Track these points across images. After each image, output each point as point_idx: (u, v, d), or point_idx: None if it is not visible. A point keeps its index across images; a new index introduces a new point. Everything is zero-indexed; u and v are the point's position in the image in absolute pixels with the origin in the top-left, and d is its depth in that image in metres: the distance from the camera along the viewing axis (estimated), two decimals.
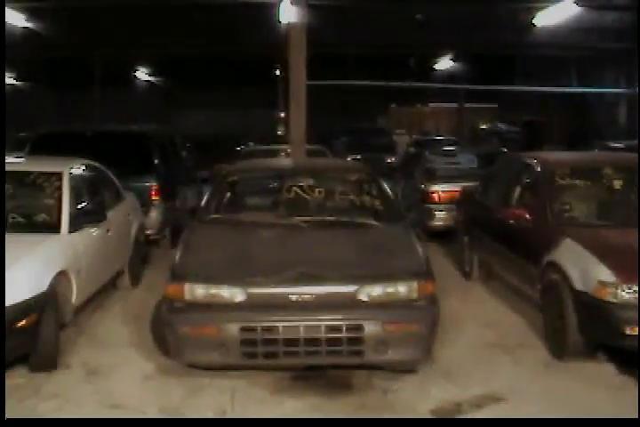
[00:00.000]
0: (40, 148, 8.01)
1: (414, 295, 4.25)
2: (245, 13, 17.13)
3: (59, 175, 5.42)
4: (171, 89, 28.58)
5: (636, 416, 3.88)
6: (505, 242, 5.94)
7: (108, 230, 5.78)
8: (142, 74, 27.02)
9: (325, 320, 4.08)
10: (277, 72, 23.87)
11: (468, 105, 22.33)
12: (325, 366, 4.46)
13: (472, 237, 6.88)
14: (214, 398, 4.21)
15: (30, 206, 5.22)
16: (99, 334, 5.39)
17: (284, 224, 4.93)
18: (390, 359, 4.21)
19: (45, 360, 4.46)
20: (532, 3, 13.55)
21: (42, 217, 5.06)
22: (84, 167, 5.96)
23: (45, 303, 4.38)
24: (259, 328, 4.05)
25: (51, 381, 4.44)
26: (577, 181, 5.68)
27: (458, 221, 7.46)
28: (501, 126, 21.04)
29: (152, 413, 4.01)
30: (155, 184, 7.96)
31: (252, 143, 23.24)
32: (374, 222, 5.05)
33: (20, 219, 5.03)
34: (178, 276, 4.25)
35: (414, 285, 4.25)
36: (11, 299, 4.11)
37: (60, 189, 5.28)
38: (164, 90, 29.00)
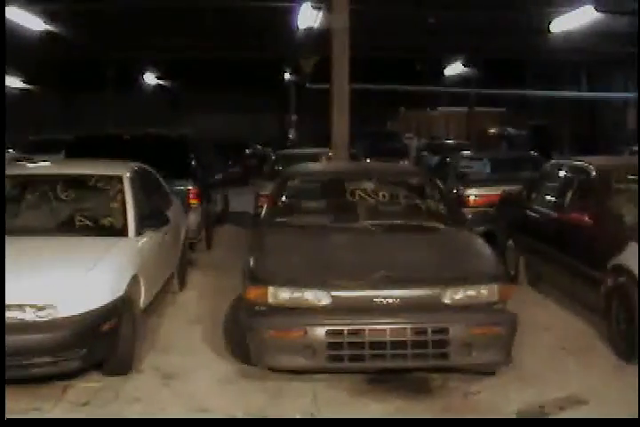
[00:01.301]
0: (77, 151, 8.00)
1: (495, 298, 4.29)
2: (257, 18, 17.17)
3: (119, 178, 5.41)
4: (178, 92, 28.60)
5: None
6: (560, 246, 5.97)
7: (165, 234, 5.78)
8: (151, 77, 26.97)
9: (411, 323, 4.10)
10: (286, 76, 23.92)
11: (476, 109, 22.39)
12: (399, 369, 4.49)
13: (518, 241, 6.91)
14: (296, 400, 4.22)
15: (95, 210, 5.21)
16: (160, 338, 5.36)
17: (353, 228, 4.95)
18: (474, 362, 4.24)
19: (122, 364, 4.45)
20: (550, 8, 13.66)
21: (108, 220, 5.05)
22: (139, 171, 5.96)
23: (123, 307, 4.38)
24: (345, 331, 4.07)
25: (127, 385, 4.42)
26: (631, 185, 5.74)
27: (500, 225, 7.50)
28: (510, 131, 21.16)
29: (239, 416, 4.01)
30: (192, 187, 7.98)
31: (259, 147, 23.30)
32: (441, 226, 5.09)
33: (88, 222, 5.02)
34: (259, 279, 4.24)
35: (495, 288, 4.28)
36: (95, 302, 4.10)
37: (122, 192, 5.27)
38: (171, 93, 28.99)
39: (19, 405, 4.11)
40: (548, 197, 6.59)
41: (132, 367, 4.62)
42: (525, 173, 9.85)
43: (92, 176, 5.40)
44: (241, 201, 11.96)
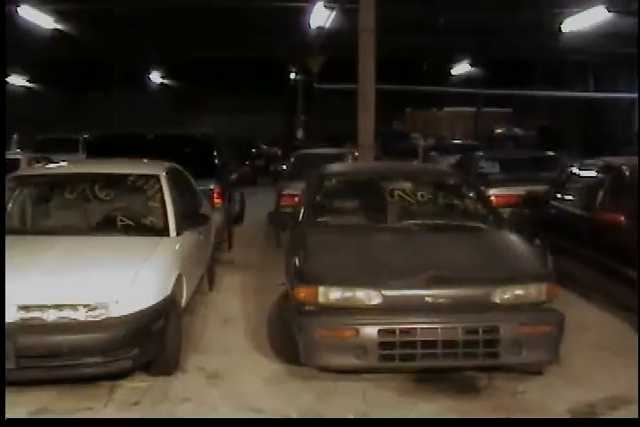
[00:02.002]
0: (99, 149, 7.97)
1: (543, 297, 4.30)
2: (265, 17, 17.14)
3: (157, 178, 5.40)
4: (183, 92, 28.56)
5: None
6: (592, 245, 5.98)
7: (199, 234, 5.77)
8: (156, 77, 26.92)
9: (463, 322, 4.10)
10: (293, 76, 23.85)
11: (483, 109, 22.41)
12: (444, 368, 4.49)
13: (545, 240, 6.92)
14: (347, 400, 4.21)
15: (134, 209, 5.19)
16: (198, 338, 5.34)
17: (397, 228, 4.95)
18: (523, 361, 4.24)
19: (168, 364, 4.43)
20: (561, 8, 13.70)
21: (149, 220, 5.03)
22: (173, 170, 5.93)
23: (170, 307, 4.37)
24: (397, 330, 4.06)
25: (174, 385, 4.41)
26: None
27: (524, 224, 7.50)
28: (517, 131, 21.19)
29: (292, 416, 4.00)
30: (216, 187, 7.96)
31: (265, 146, 23.26)
32: (483, 226, 5.10)
33: (129, 222, 5.00)
34: (309, 279, 4.24)
35: (543, 287, 4.29)
36: (145, 302, 4.09)
37: (161, 191, 5.25)
38: (176, 93, 28.98)
39: (69, 404, 4.11)
40: (578, 197, 6.61)
41: (177, 367, 4.61)
42: (544, 172, 9.90)
43: (130, 175, 5.39)
44: (250, 201, 11.97)
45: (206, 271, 6.48)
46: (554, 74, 21.34)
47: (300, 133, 21.71)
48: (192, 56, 21.21)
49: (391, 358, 4.11)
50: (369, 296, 4.15)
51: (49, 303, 3.89)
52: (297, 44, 18.77)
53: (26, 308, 3.87)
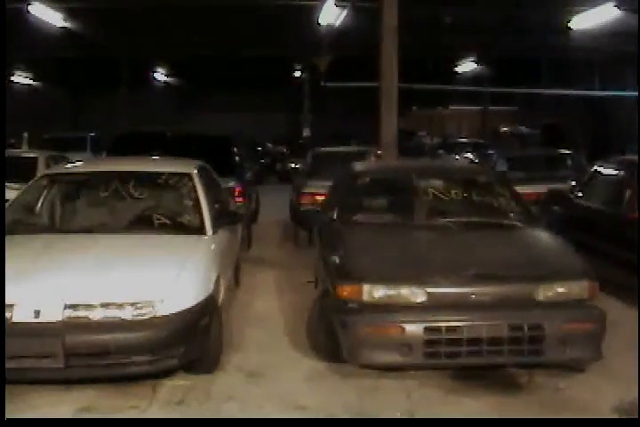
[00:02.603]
0: (119, 147, 7.95)
1: (585, 295, 4.31)
2: (272, 16, 17.10)
3: (189, 176, 5.38)
4: (187, 91, 28.49)
5: None
6: (621, 243, 6.00)
7: (230, 232, 5.75)
8: (160, 75, 26.85)
9: (508, 320, 4.10)
10: (299, 74, 23.80)
11: (489, 108, 22.42)
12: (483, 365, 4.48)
13: (568, 237, 6.92)
14: (391, 398, 4.22)
15: (169, 207, 5.18)
16: (232, 336, 5.31)
17: (434, 225, 4.95)
18: (567, 358, 4.25)
19: (210, 363, 4.42)
20: (570, 6, 13.71)
21: (186, 219, 5.01)
22: (202, 168, 5.91)
23: (212, 305, 4.37)
24: (443, 328, 4.06)
25: (215, 383, 4.40)
26: None
27: (546, 222, 7.50)
28: (522, 129, 21.23)
29: (339, 414, 4.01)
30: (237, 186, 7.96)
31: (270, 145, 23.22)
32: (519, 223, 5.10)
33: (165, 220, 4.98)
34: (353, 277, 4.23)
35: (585, 284, 4.30)
36: (190, 300, 4.08)
37: (194, 189, 5.24)
38: (181, 91, 28.91)
39: (115, 403, 4.10)
40: (604, 195, 6.62)
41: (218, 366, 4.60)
42: (561, 170, 9.94)
43: (162, 173, 5.38)
44: (261, 200, 11.95)
45: (233, 269, 6.50)
46: (559, 72, 21.37)
47: (306, 132, 21.70)
48: (196, 54, 21.15)
49: (436, 355, 4.11)
50: (413, 294, 4.15)
51: (96, 302, 3.87)
52: (303, 43, 18.74)
53: (73, 306, 3.86)
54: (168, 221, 4.97)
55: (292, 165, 17.26)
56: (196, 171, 5.49)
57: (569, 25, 14.15)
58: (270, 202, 12.01)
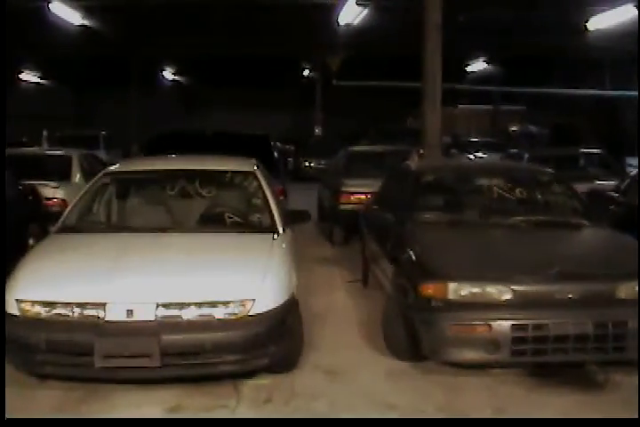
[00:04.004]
0: (157, 146, 7.91)
1: None
2: (286, 15, 17.06)
3: (253, 174, 5.37)
4: (196, 89, 28.39)
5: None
6: None
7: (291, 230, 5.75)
8: (169, 74, 26.76)
9: (593, 317, 4.11)
10: (310, 73, 23.76)
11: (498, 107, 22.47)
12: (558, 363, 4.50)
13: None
14: (478, 395, 4.23)
15: (238, 206, 5.17)
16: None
17: (506, 224, 4.98)
18: None
19: (290, 361, 4.41)
20: (588, 6, 13.77)
21: (256, 217, 5.00)
22: (259, 166, 5.90)
23: (295, 303, 4.37)
24: (530, 326, 4.07)
25: (297, 382, 4.39)
26: None
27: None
28: (532, 128, 21.31)
29: (430, 412, 4.02)
30: (279, 183, 7.93)
31: (279, 144, 23.12)
32: (586, 222, 5.14)
33: (237, 219, 4.97)
34: (438, 275, 4.23)
35: None
36: (278, 300, 4.08)
37: (261, 188, 5.23)
38: (188, 90, 28.80)
39: (203, 402, 4.08)
40: None
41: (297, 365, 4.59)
42: (589, 169, 9.99)
43: (227, 172, 5.36)
44: None
45: None
46: (571, 72, 21.43)
47: (318, 131, 21.68)
48: (207, 53, 21.09)
49: (523, 353, 4.12)
50: (499, 292, 4.16)
51: (188, 301, 3.86)
52: (314, 42, 18.73)
53: (165, 305, 3.84)
54: (239, 220, 4.96)
55: (306, 164, 17.27)
56: (257, 169, 5.50)
57: (587, 25, 14.20)
58: (291, 201, 11.99)
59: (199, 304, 3.86)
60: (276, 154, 8.14)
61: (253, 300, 3.92)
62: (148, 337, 3.73)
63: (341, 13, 13.67)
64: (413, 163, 6.03)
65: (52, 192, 8.05)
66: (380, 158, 9.26)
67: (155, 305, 3.83)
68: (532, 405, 4.12)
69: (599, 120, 21.22)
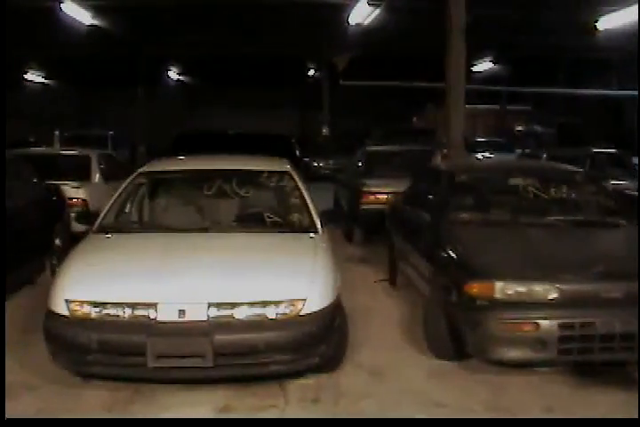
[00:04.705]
0: (181, 146, 7.92)
1: None
2: (290, 14, 17.05)
3: (289, 174, 5.38)
4: (200, 88, 28.34)
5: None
6: None
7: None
8: (174, 73, 26.73)
9: (638, 315, 4.14)
10: (316, 73, 23.73)
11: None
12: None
13: None
14: (522, 395, 4.25)
15: (276, 206, 5.18)
16: None
17: (543, 223, 5.00)
18: None
19: (335, 361, 4.41)
20: (599, 6, 13.81)
21: (296, 217, 5.01)
22: (292, 166, 5.90)
23: (340, 303, 4.36)
24: (577, 324, 4.09)
25: (342, 381, 4.40)
26: None
27: None
28: (538, 128, 21.36)
29: (479, 411, 4.02)
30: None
31: None
32: (623, 222, 5.16)
33: (277, 218, 4.97)
34: (484, 275, 4.24)
35: None
36: (327, 299, 4.09)
37: (297, 188, 5.23)
38: (193, 89, 28.79)
39: (252, 402, 4.07)
40: None
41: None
42: (606, 169, 10.02)
43: (263, 172, 5.36)
44: None
45: None
46: (577, 72, 21.50)
47: (325, 130, 21.68)
48: (211, 53, 21.07)
49: (570, 351, 4.13)
50: (545, 291, 4.17)
51: (240, 301, 3.86)
52: (320, 42, 18.72)
53: (217, 305, 3.85)
54: (279, 220, 4.97)
55: (315, 164, 17.27)
56: (292, 169, 5.50)
57: (596, 25, 14.23)
58: None
59: (250, 304, 3.86)
60: (297, 153, 8.16)
61: (304, 299, 3.93)
62: (202, 337, 3.73)
63: (352, 13, 13.66)
64: (445, 163, 6.05)
65: (73, 192, 8.06)
66: (398, 158, 9.28)
67: (206, 305, 3.83)
68: (578, 404, 4.13)
69: (605, 120, 21.28)
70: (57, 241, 6.97)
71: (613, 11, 13.63)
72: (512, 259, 4.41)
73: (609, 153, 10.84)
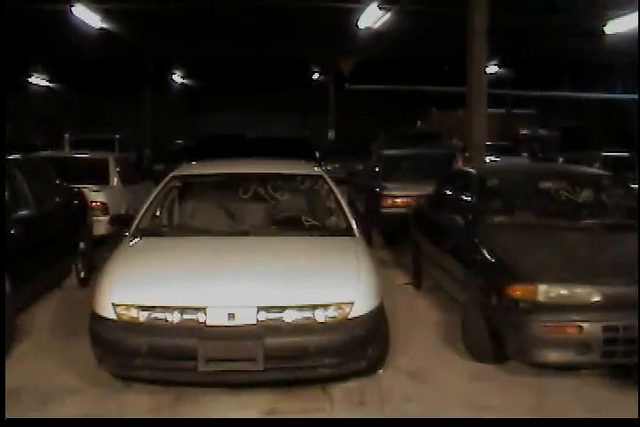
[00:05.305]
0: (202, 150, 7.93)
1: None
2: (301, 17, 17.07)
3: (322, 178, 5.40)
4: (203, 92, 28.36)
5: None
6: None
7: None
8: (178, 77, 26.78)
9: None
10: (321, 76, 23.82)
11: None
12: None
13: None
14: (564, 397, 4.27)
15: (312, 209, 5.20)
16: None
17: (577, 227, 5.04)
18: None
19: (377, 363, 4.42)
20: (607, 10, 13.89)
21: (333, 220, 5.03)
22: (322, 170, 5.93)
23: (383, 306, 4.38)
24: (621, 327, 4.13)
25: (384, 384, 4.41)
26: None
27: None
28: (542, 132, 21.43)
29: (524, 413, 4.04)
30: None
31: None
32: None
33: (314, 222, 4.99)
34: (527, 278, 4.28)
35: None
36: (373, 302, 4.12)
37: (332, 191, 5.26)
38: (197, 92, 28.78)
39: (297, 406, 4.09)
40: None
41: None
42: (622, 172, 10.06)
43: (297, 175, 5.39)
44: None
45: None
46: (582, 75, 21.59)
47: (331, 134, 21.72)
48: (217, 56, 21.11)
49: (613, 354, 4.17)
50: (588, 293, 4.21)
51: (289, 304, 3.88)
52: (329, 45, 18.75)
53: (266, 309, 3.86)
54: (317, 223, 4.99)
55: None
56: (323, 172, 5.52)
57: (604, 29, 14.31)
58: None
59: (299, 308, 3.88)
60: (317, 155, 8.18)
61: (352, 303, 3.95)
62: (253, 341, 3.75)
63: (362, 17, 13.72)
64: (474, 166, 6.07)
65: (93, 195, 8.07)
66: (415, 162, 9.31)
67: (256, 309, 3.85)
68: (621, 406, 4.15)
69: (609, 124, 21.37)
70: (81, 245, 6.97)
71: (623, 14, 13.73)
72: (553, 262, 4.45)
73: (620, 156, 10.88)
